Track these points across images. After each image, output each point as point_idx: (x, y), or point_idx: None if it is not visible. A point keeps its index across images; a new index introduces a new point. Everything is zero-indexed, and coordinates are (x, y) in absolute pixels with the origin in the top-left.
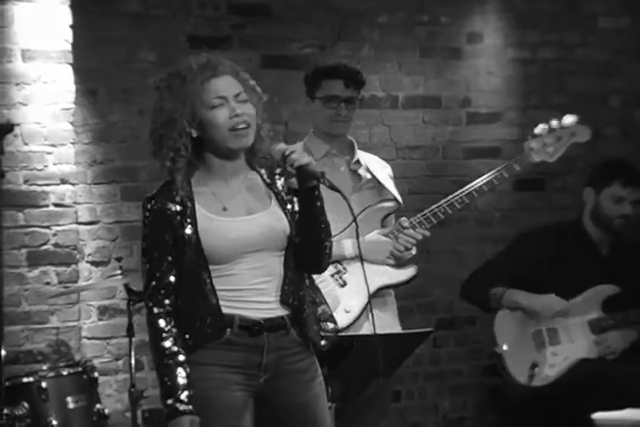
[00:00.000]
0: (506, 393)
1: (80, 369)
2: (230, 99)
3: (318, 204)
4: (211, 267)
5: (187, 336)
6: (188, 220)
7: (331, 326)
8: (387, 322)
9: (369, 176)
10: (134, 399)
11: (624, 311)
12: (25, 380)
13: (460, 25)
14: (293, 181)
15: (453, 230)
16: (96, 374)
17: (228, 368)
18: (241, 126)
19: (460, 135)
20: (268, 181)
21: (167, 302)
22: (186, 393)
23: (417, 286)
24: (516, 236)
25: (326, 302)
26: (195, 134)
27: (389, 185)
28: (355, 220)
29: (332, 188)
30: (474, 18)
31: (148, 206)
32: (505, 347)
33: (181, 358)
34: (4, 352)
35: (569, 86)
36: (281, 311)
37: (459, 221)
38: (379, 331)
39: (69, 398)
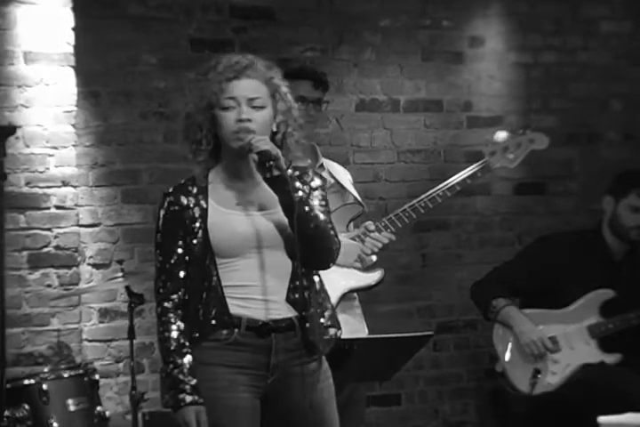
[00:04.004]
0: (507, 398)
1: (81, 371)
2: (243, 102)
3: (286, 192)
4: (218, 260)
5: (192, 329)
6: (200, 213)
7: (332, 331)
8: (354, 326)
9: (332, 180)
10: (135, 402)
11: (623, 314)
12: (26, 382)
13: (462, 29)
14: (259, 169)
15: (453, 234)
16: (97, 377)
17: (235, 369)
18: (242, 131)
19: (462, 139)
20: None
21: (175, 296)
22: (191, 384)
23: (417, 289)
24: (534, 239)
25: (334, 308)
26: (211, 131)
27: (352, 189)
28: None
29: (278, 168)
30: (476, 22)
31: (164, 201)
32: (506, 358)
33: (187, 350)
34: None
35: (571, 90)
36: (289, 312)
37: (459, 224)
38: (346, 335)
39: (70, 401)
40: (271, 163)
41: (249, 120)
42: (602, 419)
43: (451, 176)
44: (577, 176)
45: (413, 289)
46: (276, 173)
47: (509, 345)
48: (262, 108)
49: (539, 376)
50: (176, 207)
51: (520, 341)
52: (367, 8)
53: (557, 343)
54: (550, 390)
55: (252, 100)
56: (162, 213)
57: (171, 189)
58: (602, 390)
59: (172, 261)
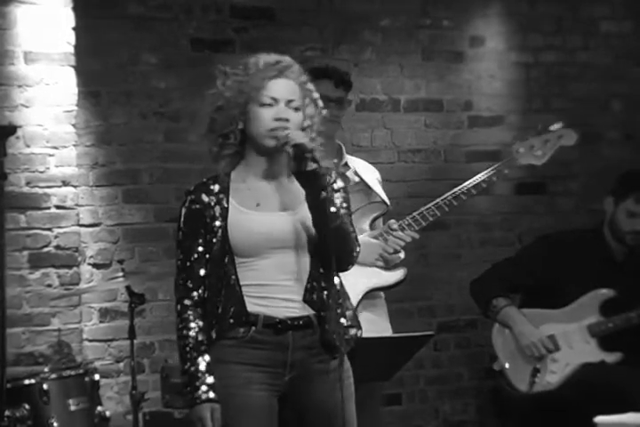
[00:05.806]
0: (508, 398)
1: (81, 371)
2: (282, 102)
3: (318, 187)
4: (236, 259)
5: (211, 327)
6: (220, 212)
7: (353, 331)
8: (379, 326)
9: (357, 179)
10: (135, 402)
11: (624, 314)
12: (26, 382)
13: (463, 28)
14: (292, 163)
15: (454, 234)
16: (97, 377)
17: (252, 367)
18: (279, 130)
19: (462, 139)
20: None
21: (195, 293)
22: (207, 382)
23: (417, 289)
24: (535, 238)
25: (355, 309)
26: (240, 126)
27: (378, 188)
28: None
29: (315, 160)
30: (476, 21)
31: (186, 199)
32: (504, 359)
33: (205, 348)
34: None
35: (571, 90)
36: (307, 311)
37: (459, 224)
38: (371, 334)
39: (71, 401)
40: (308, 155)
41: (287, 120)
42: (598, 419)
43: (451, 176)
44: (577, 176)
45: (414, 289)
46: (312, 166)
47: (508, 345)
48: (297, 109)
49: (538, 375)
50: (197, 206)
51: (520, 342)
52: (367, 8)
53: (556, 343)
54: (550, 389)
55: (291, 101)
56: (183, 211)
57: (192, 188)
58: (602, 389)
59: (193, 259)
